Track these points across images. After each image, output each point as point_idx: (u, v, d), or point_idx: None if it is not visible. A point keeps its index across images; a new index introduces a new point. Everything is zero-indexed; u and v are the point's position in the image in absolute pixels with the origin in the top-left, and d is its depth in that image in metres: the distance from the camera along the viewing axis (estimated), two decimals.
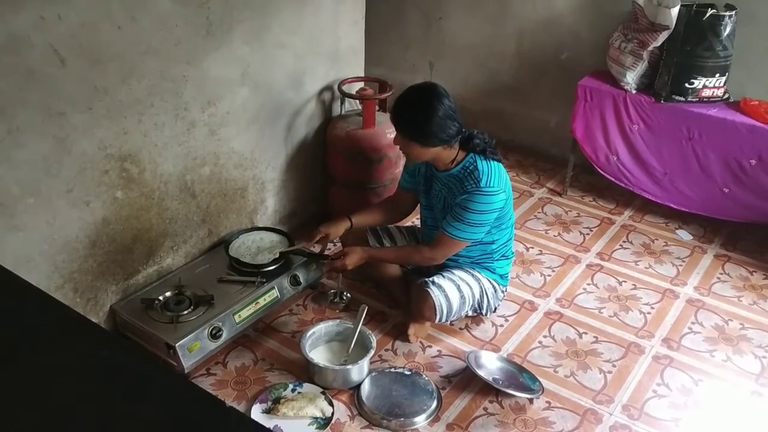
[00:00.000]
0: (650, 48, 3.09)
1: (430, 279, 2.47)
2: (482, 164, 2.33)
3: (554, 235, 3.26)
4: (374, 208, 2.73)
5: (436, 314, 2.43)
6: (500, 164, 2.38)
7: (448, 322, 2.58)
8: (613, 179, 3.38)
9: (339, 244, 2.82)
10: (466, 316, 2.60)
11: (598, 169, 3.40)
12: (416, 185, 2.60)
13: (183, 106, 2.42)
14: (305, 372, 2.38)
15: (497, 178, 2.33)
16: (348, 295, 2.74)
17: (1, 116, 1.91)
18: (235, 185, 2.77)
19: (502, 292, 2.63)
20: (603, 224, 3.36)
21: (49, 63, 1.97)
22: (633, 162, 3.29)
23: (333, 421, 2.19)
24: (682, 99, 3.08)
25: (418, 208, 2.67)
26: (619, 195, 3.55)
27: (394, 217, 2.72)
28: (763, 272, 3.03)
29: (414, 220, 3.25)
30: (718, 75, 3.03)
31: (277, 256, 2.61)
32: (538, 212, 3.45)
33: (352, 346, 2.39)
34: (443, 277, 2.48)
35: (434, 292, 2.41)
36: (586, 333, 2.64)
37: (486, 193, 2.29)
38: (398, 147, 2.39)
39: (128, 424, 1.02)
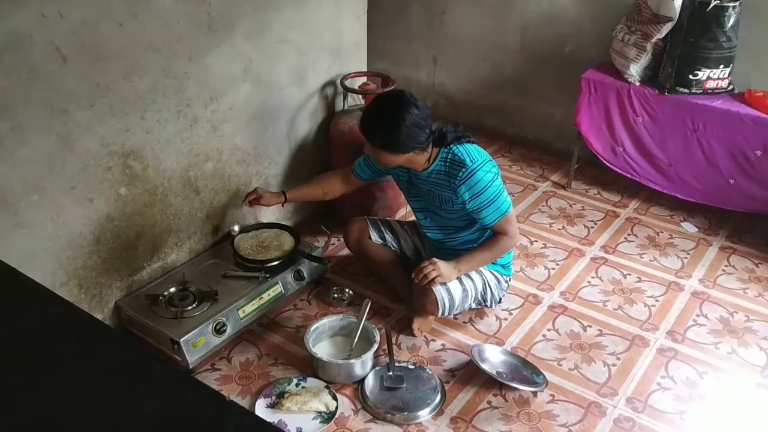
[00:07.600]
0: (654, 40, 3.07)
1: None
2: (458, 149, 2.35)
3: (558, 229, 3.25)
4: (313, 184, 2.68)
5: (438, 308, 2.43)
6: (475, 144, 2.40)
7: (452, 316, 2.58)
8: (620, 171, 3.36)
9: (338, 244, 2.83)
10: (470, 309, 2.60)
11: (605, 162, 3.39)
12: (372, 178, 2.61)
13: (185, 103, 2.43)
14: (309, 366, 2.38)
15: (476, 152, 2.36)
16: (351, 291, 2.75)
17: (4, 114, 1.92)
18: (239, 181, 2.78)
19: (506, 282, 2.63)
20: (607, 217, 3.35)
21: (51, 60, 1.98)
22: (639, 153, 3.28)
23: (337, 416, 2.20)
24: (686, 91, 3.06)
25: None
26: (623, 188, 3.54)
27: (332, 194, 2.69)
28: None
29: None
30: (722, 66, 3.01)
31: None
32: (543, 205, 3.44)
33: (356, 340, 2.40)
34: None
35: (436, 286, 2.41)
36: (590, 326, 2.63)
37: (479, 167, 2.31)
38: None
39: (131, 419, 1.03)
